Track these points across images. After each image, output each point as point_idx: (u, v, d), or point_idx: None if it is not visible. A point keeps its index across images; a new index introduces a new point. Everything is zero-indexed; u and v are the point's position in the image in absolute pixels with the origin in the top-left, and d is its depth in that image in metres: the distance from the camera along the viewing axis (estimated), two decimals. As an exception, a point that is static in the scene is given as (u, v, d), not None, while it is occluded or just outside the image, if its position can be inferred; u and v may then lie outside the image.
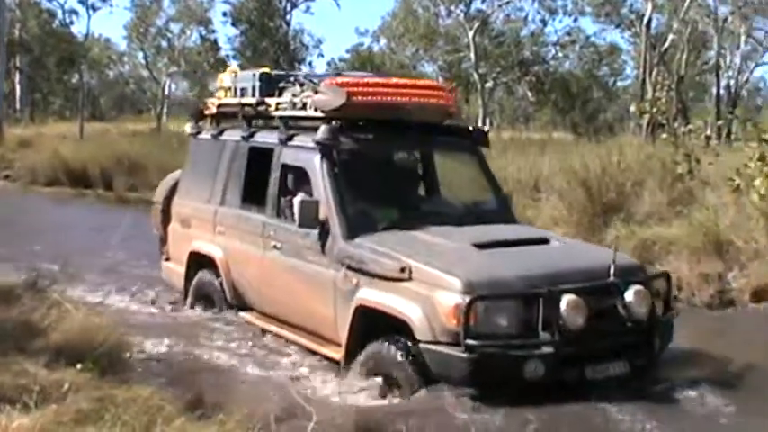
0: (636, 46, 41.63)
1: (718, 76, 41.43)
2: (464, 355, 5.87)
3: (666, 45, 37.56)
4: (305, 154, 7.49)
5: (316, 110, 7.51)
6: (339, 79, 7.72)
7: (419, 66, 45.69)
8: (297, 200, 7.24)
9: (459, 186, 8.72)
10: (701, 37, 41.22)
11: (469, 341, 5.85)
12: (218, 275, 8.32)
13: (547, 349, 5.91)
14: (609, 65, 47.19)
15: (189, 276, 8.80)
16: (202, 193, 8.74)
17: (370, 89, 7.46)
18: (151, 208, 10.02)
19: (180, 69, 46.89)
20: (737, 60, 42.96)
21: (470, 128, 8.83)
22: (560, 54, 43.94)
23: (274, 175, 7.81)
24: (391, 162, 8.34)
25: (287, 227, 7.46)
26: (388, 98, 7.48)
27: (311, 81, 7.91)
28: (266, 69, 8.80)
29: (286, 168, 7.76)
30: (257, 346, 7.52)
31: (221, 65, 43.36)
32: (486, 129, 9.59)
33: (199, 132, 9.22)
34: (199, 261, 8.65)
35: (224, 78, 9.07)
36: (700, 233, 10.39)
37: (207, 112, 9.17)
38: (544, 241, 7.11)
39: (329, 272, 6.96)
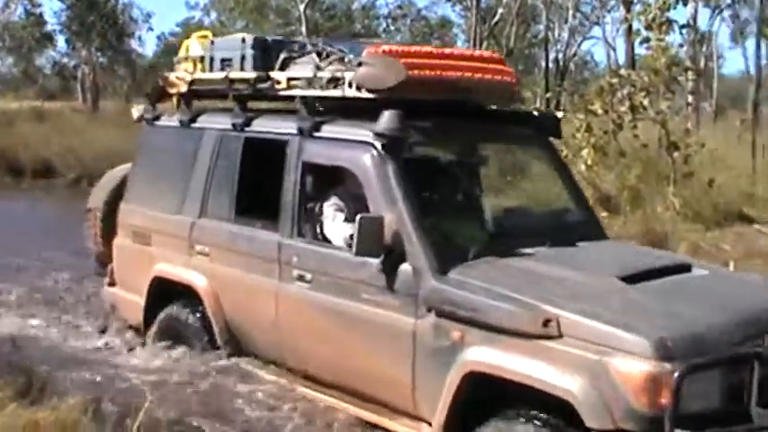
0: (467, 20, 41.85)
1: (546, 49, 42.09)
2: None
3: (496, 19, 38.32)
4: (349, 150, 5.48)
5: (358, 88, 5.45)
6: (386, 47, 5.64)
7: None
8: (357, 217, 5.03)
9: (535, 191, 6.97)
10: (530, 11, 42.29)
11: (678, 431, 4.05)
12: (197, 310, 6.31)
13: None
14: (440, 38, 46.81)
15: (151, 308, 6.66)
16: (168, 199, 6.63)
17: (430, 61, 5.54)
18: (85, 216, 7.61)
19: (4, 45, 45.03)
20: (565, 34, 43.92)
21: (540, 114, 6.89)
22: (392, 27, 44.58)
23: (291, 178, 5.76)
24: (463, 163, 6.16)
25: (323, 251, 5.55)
26: (452, 74, 5.59)
27: (340, 50, 5.89)
28: (207, 34, 7.13)
29: (311, 169, 5.78)
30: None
31: (48, 39, 43.48)
32: (559, 114, 6.96)
33: (157, 118, 6.99)
34: (166, 290, 6.56)
35: (192, 46, 6.95)
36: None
37: (172, 91, 6.83)
38: (687, 269, 5.32)
39: (405, 319, 4.98)
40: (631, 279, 4.84)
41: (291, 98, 5.95)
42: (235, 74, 6.28)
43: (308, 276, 5.55)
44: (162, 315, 6.53)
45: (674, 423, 4.01)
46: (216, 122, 6.48)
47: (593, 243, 5.79)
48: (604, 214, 11.72)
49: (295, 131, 5.79)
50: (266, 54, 6.27)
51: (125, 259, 7.09)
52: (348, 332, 5.31)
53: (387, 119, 5.19)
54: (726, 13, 41.72)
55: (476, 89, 5.78)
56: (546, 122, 6.39)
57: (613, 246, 6.12)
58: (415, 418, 5.04)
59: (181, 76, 6.76)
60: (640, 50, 17.70)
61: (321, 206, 5.74)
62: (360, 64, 5.45)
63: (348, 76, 5.51)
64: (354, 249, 4.98)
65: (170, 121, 6.89)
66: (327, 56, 5.87)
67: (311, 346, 5.63)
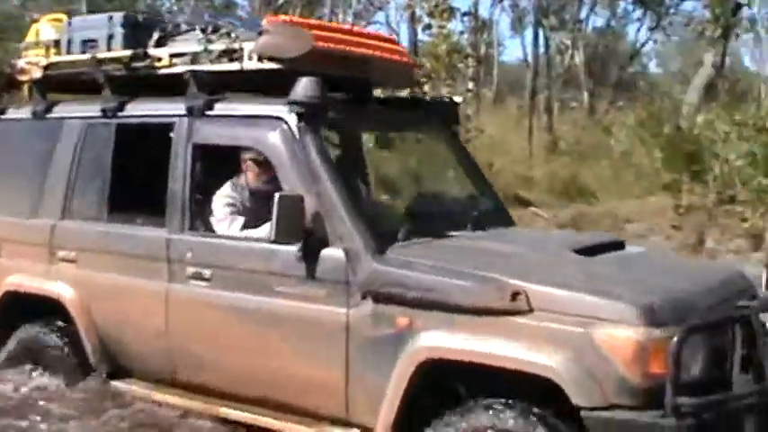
0: (251, 1, 42.34)
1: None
2: (672, 422, 3.68)
3: (281, 1, 37.19)
4: (255, 128, 4.87)
5: (260, 60, 4.87)
6: (286, 17, 5.28)
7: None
8: (276, 197, 4.39)
9: (440, 179, 6.31)
10: (315, -6, 43.34)
11: (681, 399, 3.68)
12: (62, 328, 5.45)
13: (753, 400, 3.91)
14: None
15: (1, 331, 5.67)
16: (19, 201, 5.77)
17: (335, 35, 5.09)
18: None
19: None
20: (350, 18, 42.74)
21: (435, 99, 6.54)
22: (175, 8, 44.47)
23: (180, 165, 5.05)
24: (364, 144, 6.01)
25: (225, 243, 4.90)
26: (357, 50, 5.15)
27: (230, 23, 5.32)
28: (60, 17, 6.14)
29: (203, 153, 5.07)
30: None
31: None
32: (458, 100, 6.52)
33: (2, 111, 6.09)
34: (21, 305, 5.61)
35: (42, 29, 6.01)
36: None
37: (23, 78, 5.93)
38: (622, 245, 5.07)
39: (333, 310, 4.39)
40: (585, 252, 4.52)
41: (174, 78, 5.21)
42: (104, 53, 5.49)
43: (207, 273, 4.83)
44: (14, 338, 5.57)
45: (676, 391, 3.65)
46: (78, 111, 5.70)
47: (513, 228, 5.60)
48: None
49: (183, 112, 5.08)
50: (138, 32, 5.54)
51: None
52: (261, 332, 4.65)
53: (305, 85, 4.58)
54: (506, 3, 43.06)
55: (379, 68, 5.31)
56: (442, 108, 5.93)
57: (536, 230, 6.06)
58: (345, 425, 4.44)
59: (33, 61, 5.84)
60: (423, 37, 18.12)
61: (214, 193, 5.11)
62: (260, 33, 4.84)
63: (248, 46, 4.91)
64: (273, 234, 4.36)
65: (19, 113, 6.00)
66: (215, 30, 5.21)
67: (212, 355, 4.89)
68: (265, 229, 4.64)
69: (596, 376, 3.72)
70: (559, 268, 4.23)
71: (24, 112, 5.93)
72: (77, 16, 6.25)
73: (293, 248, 4.45)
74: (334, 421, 4.47)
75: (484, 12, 40.97)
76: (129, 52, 5.34)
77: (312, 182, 4.53)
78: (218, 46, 5.04)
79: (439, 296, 4.09)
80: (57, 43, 5.84)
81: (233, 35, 5.07)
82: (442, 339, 4.05)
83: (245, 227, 4.95)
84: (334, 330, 4.36)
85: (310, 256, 4.45)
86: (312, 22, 5.37)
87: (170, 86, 5.20)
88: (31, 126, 5.87)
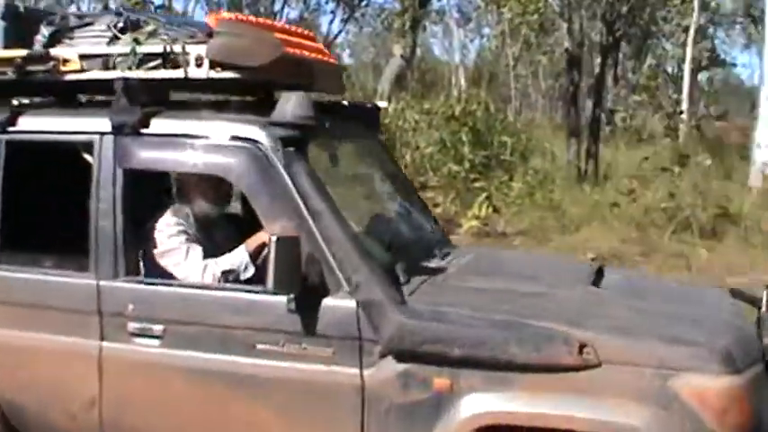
0: None
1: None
2: None
3: None
4: (216, 153, 4.02)
5: (214, 67, 4.01)
6: (228, 15, 4.36)
7: None
8: (273, 239, 3.61)
9: (382, 197, 5.43)
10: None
11: None
12: None
13: None
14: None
15: None
16: None
17: (289, 38, 4.34)
18: None
19: None
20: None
21: (364, 104, 5.35)
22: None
23: (107, 195, 4.07)
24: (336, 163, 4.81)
25: (184, 292, 4.00)
26: (309, 55, 4.43)
27: (153, 19, 4.36)
28: None
29: (136, 180, 4.15)
30: None
31: None
32: (381, 104, 5.56)
33: None
34: None
35: None
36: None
37: None
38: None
39: (342, 372, 3.68)
40: (596, 284, 4.21)
41: (77, 87, 4.47)
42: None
43: (157, 330, 3.91)
44: None
45: None
46: None
47: (469, 249, 5.30)
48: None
49: (107, 129, 4.09)
50: (19, 27, 4.51)
51: None
52: (236, 401, 3.83)
53: (295, 103, 3.81)
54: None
55: (321, 74, 4.57)
56: (365, 113, 5.01)
57: (487, 249, 5.59)
58: None
59: None
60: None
61: (149, 227, 4.19)
62: (210, 35, 4.01)
63: (194, 50, 4.00)
64: (272, 283, 3.58)
65: None
66: (135, 27, 4.23)
67: (153, 425, 4.04)
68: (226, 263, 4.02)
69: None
70: (605, 310, 3.72)
71: None
72: None
73: (283, 299, 3.70)
74: None
75: (178, 5, 40.87)
76: (22, 52, 4.26)
77: (306, 219, 3.76)
78: (151, 48, 4.09)
79: (491, 353, 3.46)
80: None
81: (163, 34, 4.16)
82: (501, 402, 3.46)
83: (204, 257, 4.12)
84: (345, 396, 3.65)
85: (308, 307, 3.70)
86: (260, 20, 4.51)
87: (65, 96, 4.51)
88: None
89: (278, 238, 3.58)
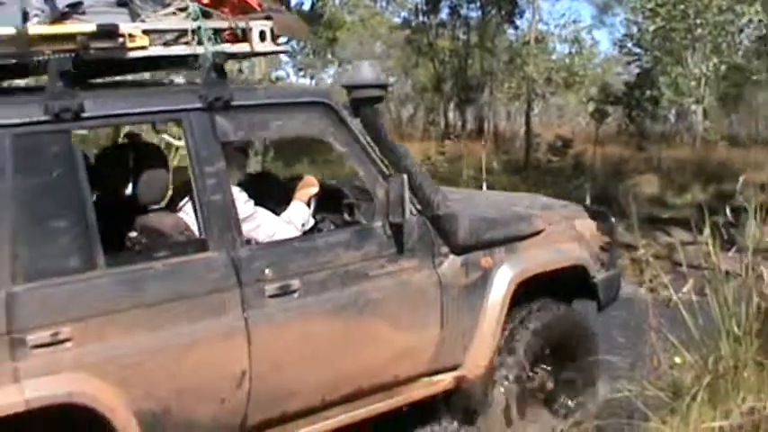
0: None
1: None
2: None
3: None
4: (298, 116, 4.48)
5: (276, 41, 4.42)
6: None
7: None
8: (396, 180, 4.43)
9: None
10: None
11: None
12: None
13: None
14: None
15: None
16: None
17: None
18: None
19: None
20: None
21: None
22: None
23: (210, 171, 4.09)
24: None
25: (312, 244, 4.44)
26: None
27: None
28: None
29: (227, 153, 4.23)
30: None
31: None
32: None
33: None
34: None
35: None
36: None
37: None
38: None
39: (426, 273, 4.68)
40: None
41: (137, 65, 4.50)
42: (43, 27, 3.80)
43: (294, 285, 4.21)
44: None
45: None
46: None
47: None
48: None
49: (200, 105, 4.13)
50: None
51: None
52: (359, 323, 4.45)
53: (369, 68, 4.72)
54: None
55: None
56: None
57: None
58: (433, 374, 4.86)
59: None
60: None
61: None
62: (268, 16, 4.37)
63: (258, 25, 4.31)
64: (392, 216, 4.44)
65: None
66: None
67: (302, 375, 4.30)
68: (297, 216, 4.67)
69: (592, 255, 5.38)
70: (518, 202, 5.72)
71: None
72: None
73: (381, 230, 4.53)
74: (423, 376, 4.81)
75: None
76: (86, 27, 3.86)
77: (395, 161, 4.67)
78: (218, 24, 4.23)
79: (509, 232, 5.05)
80: None
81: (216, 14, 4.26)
82: (523, 263, 5.03)
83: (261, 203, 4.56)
84: (430, 291, 4.67)
85: (400, 231, 4.54)
86: None
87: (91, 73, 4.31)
88: None
89: (392, 179, 4.41)
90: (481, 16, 26.99)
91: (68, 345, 3.59)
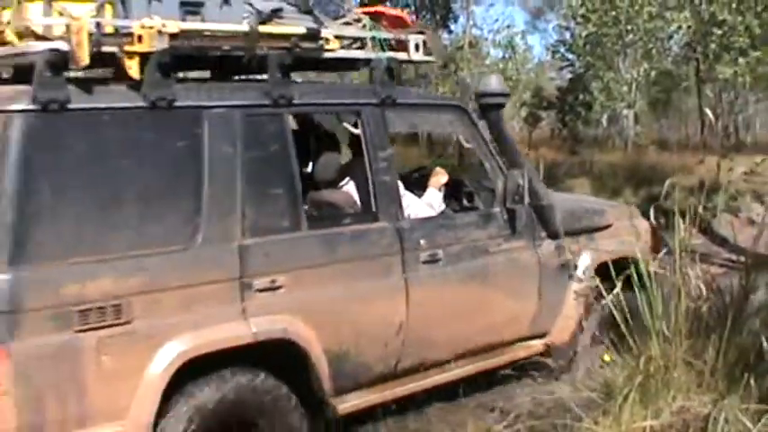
0: None
1: None
2: None
3: None
4: (445, 116, 5.61)
5: (429, 53, 5.40)
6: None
7: None
8: (516, 173, 5.42)
9: None
10: None
11: None
12: (279, 372, 4.47)
13: None
14: None
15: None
16: (149, 225, 4.15)
17: None
18: None
19: None
20: None
21: None
22: None
23: (380, 156, 5.02)
24: None
25: (451, 222, 5.40)
26: None
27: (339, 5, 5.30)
28: None
29: (383, 139, 5.09)
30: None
31: None
32: None
33: (57, 104, 3.91)
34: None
35: None
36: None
37: (133, 49, 4.09)
38: None
39: (530, 253, 5.62)
40: None
41: (320, 64, 5.26)
42: (272, 27, 4.62)
43: (440, 254, 5.13)
44: (190, 404, 4.17)
45: None
46: (222, 98, 4.49)
47: None
48: None
49: (375, 101, 5.06)
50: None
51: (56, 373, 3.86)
52: (483, 290, 5.40)
53: (497, 80, 5.84)
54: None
55: None
56: None
57: None
58: (531, 339, 5.73)
59: (151, 25, 4.10)
60: None
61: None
62: (420, 32, 5.42)
63: (413, 39, 5.27)
64: (509, 202, 5.44)
65: (115, 99, 4.17)
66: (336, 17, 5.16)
67: (440, 329, 5.16)
68: (431, 201, 5.57)
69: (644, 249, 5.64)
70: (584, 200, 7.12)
71: (125, 98, 4.17)
72: None
73: (498, 214, 5.54)
74: (522, 340, 5.69)
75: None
76: (299, 29, 4.69)
77: (515, 158, 5.74)
78: (387, 34, 5.18)
79: (590, 223, 6.07)
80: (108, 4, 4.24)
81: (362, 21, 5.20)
82: (601, 249, 5.82)
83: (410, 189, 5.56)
84: (532, 268, 5.58)
85: (514, 217, 5.55)
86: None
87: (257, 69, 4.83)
88: (147, 119, 4.22)
89: (511, 172, 5.46)
90: (415, 20, 27.05)
91: (282, 291, 4.45)
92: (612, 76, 20.33)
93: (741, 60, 17.25)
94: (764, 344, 4.54)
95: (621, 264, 5.08)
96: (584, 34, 19.90)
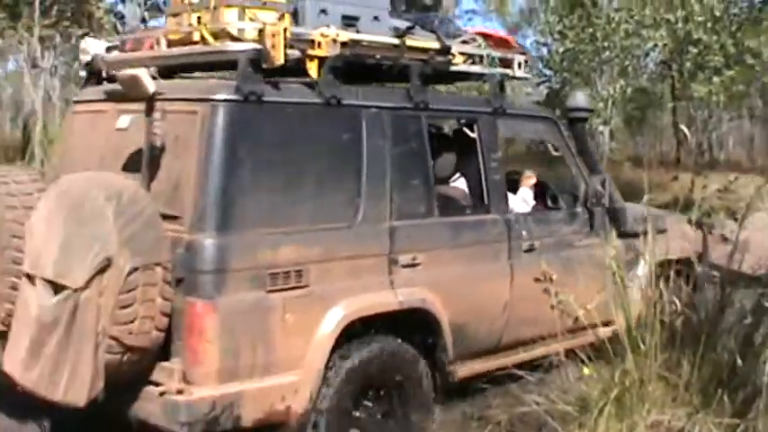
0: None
1: None
2: None
3: None
4: (538, 124, 6.49)
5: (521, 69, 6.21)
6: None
7: None
8: (598, 178, 6.34)
9: None
10: None
11: None
12: (406, 336, 5.13)
13: None
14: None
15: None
16: (321, 206, 4.89)
17: None
18: None
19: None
20: None
21: None
22: None
23: (492, 158, 5.85)
24: None
25: (547, 217, 6.33)
26: None
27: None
28: None
29: (495, 144, 5.93)
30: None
31: None
32: None
33: (255, 96, 4.61)
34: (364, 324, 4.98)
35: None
36: None
37: (314, 53, 4.83)
38: None
39: (602, 248, 5.90)
40: None
41: (441, 76, 5.91)
42: (416, 41, 5.45)
43: (535, 245, 5.91)
44: (353, 356, 4.87)
45: None
46: (376, 100, 5.26)
47: None
48: None
49: (489, 109, 5.88)
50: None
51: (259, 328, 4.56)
52: (568, 279, 5.65)
53: (583, 98, 6.86)
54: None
55: None
56: None
57: None
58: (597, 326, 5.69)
59: (328, 34, 4.87)
60: None
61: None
62: (522, 52, 6.35)
63: (518, 58, 6.17)
64: (591, 203, 6.31)
65: (296, 95, 4.90)
66: (441, 32, 5.76)
67: (534, 310, 5.64)
68: (521, 200, 6.34)
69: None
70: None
71: (306, 95, 4.92)
72: None
73: (579, 213, 6.34)
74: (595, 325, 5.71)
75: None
76: (435, 44, 5.54)
77: (594, 163, 6.61)
78: (497, 53, 5.99)
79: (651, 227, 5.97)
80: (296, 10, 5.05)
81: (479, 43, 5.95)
82: (661, 250, 5.67)
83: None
84: (602, 261, 5.59)
85: (592, 216, 6.32)
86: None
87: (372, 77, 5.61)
88: (322, 113, 4.95)
89: (603, 177, 6.34)
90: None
91: (419, 267, 5.17)
92: (589, 93, 20.45)
93: (716, 79, 17.50)
94: (738, 360, 4.61)
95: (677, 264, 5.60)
96: (560, 51, 19.99)
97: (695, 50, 17.37)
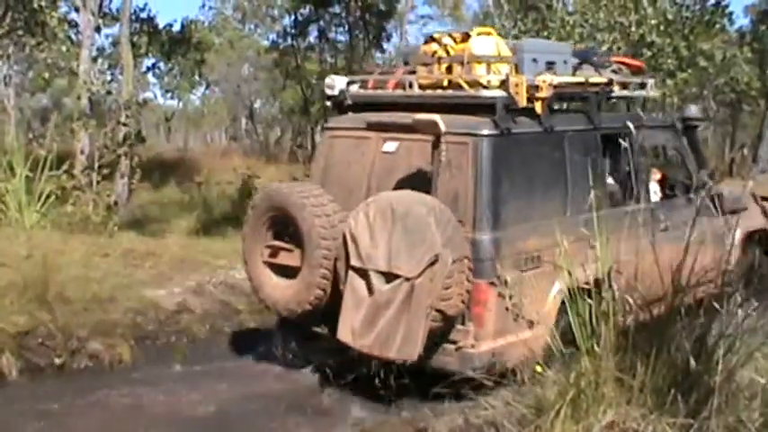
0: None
1: None
2: None
3: None
4: (665, 133, 8.32)
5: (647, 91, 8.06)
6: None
7: None
8: (704, 172, 8.38)
9: None
10: None
11: None
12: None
13: None
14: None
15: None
16: (547, 204, 6.75)
17: None
18: None
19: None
20: None
21: None
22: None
23: (643, 161, 7.66)
24: None
25: (673, 203, 8.05)
26: None
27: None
28: (489, 30, 7.07)
29: (642, 150, 7.64)
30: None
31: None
32: None
33: (507, 130, 6.44)
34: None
35: (482, 44, 6.76)
36: None
37: (540, 95, 6.62)
38: None
39: (717, 224, 6.81)
40: None
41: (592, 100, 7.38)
42: (595, 78, 7.42)
43: (668, 224, 7.40)
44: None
45: None
46: (570, 125, 7.13)
47: None
48: None
49: (632, 125, 6.55)
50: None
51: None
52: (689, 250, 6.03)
53: (697, 108, 9.17)
54: None
55: None
56: None
57: None
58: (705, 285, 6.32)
59: (545, 80, 6.67)
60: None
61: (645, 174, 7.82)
62: (652, 76, 8.97)
63: (650, 81, 8.13)
64: (699, 191, 7.94)
65: (528, 127, 6.73)
66: (598, 65, 7.69)
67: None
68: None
69: None
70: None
71: (533, 126, 6.73)
72: (525, 39, 8.77)
73: (694, 199, 7.85)
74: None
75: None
76: (605, 78, 7.49)
77: (695, 161, 8.46)
78: (624, 78, 7.85)
79: (740, 206, 8.21)
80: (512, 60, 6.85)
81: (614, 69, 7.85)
82: (746, 224, 8.41)
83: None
84: (712, 236, 6.15)
85: (701, 201, 7.07)
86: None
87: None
88: (543, 139, 6.82)
89: (701, 171, 8.34)
90: (349, 40, 27.10)
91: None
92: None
93: (669, 82, 17.67)
94: (691, 361, 4.67)
95: (758, 235, 8.39)
96: (516, 54, 20.04)
97: (649, 53, 17.50)
